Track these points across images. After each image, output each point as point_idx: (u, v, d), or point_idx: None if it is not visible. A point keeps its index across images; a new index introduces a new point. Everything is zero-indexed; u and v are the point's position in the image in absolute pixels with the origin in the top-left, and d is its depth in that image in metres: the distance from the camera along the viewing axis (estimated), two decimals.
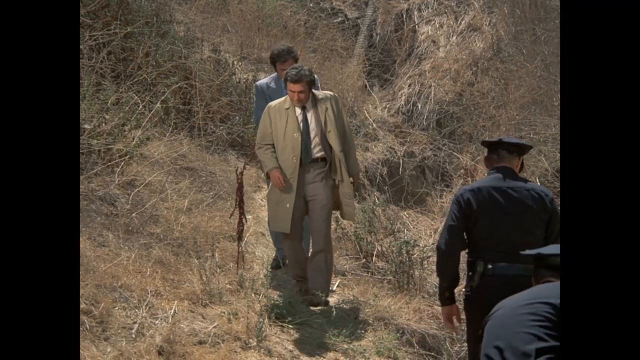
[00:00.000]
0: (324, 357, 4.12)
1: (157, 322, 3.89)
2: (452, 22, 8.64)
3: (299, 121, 4.41)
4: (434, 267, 5.72)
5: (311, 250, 4.57)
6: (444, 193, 7.25)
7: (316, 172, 4.47)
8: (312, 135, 4.44)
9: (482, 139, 4.14)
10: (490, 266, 3.06)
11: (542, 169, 6.30)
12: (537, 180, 6.19)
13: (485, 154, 3.48)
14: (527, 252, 2.45)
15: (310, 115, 4.45)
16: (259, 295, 4.46)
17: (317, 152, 4.45)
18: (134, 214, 4.71)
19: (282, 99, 4.49)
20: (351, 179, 4.58)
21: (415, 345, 4.51)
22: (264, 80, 5.03)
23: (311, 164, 4.46)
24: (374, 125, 7.69)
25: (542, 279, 2.33)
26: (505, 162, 3.32)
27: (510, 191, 3.19)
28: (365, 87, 8.41)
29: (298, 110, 4.43)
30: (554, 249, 2.41)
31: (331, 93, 4.57)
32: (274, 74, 4.99)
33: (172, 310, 3.99)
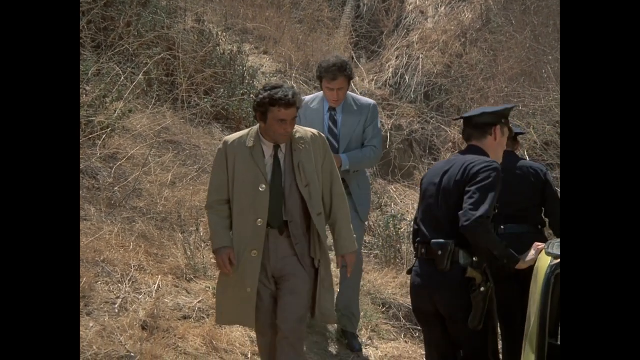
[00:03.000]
0: (308, 331, 4.10)
1: (140, 297, 3.85)
2: None
3: (268, 166, 3.11)
4: None
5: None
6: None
7: (287, 242, 3.12)
8: (287, 189, 3.11)
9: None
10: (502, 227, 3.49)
11: (530, 142, 6.27)
12: (525, 154, 6.16)
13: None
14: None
15: (283, 159, 3.13)
16: None
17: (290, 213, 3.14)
18: (116, 188, 4.64)
19: (243, 132, 3.19)
20: (343, 260, 3.20)
21: (402, 319, 4.50)
22: (306, 97, 3.97)
23: (284, 229, 3.12)
24: None
25: (472, 138, 2.97)
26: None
27: None
28: (352, 59, 8.29)
29: (268, 151, 3.12)
30: (478, 110, 3.05)
31: (316, 132, 3.22)
32: (320, 93, 3.97)
33: (156, 285, 3.95)
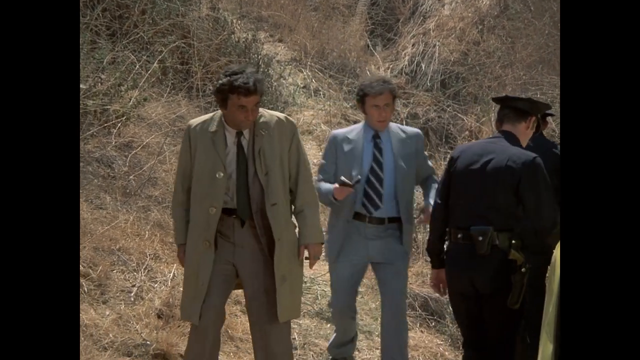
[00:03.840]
0: (323, 322, 4.08)
1: (156, 285, 3.85)
2: None
3: (231, 153, 2.96)
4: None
5: None
6: (448, 156, 7.14)
7: (252, 233, 2.98)
8: (250, 177, 2.96)
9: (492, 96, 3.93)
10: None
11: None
12: None
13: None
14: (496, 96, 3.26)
15: (246, 146, 2.97)
16: None
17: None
18: (131, 177, 4.64)
19: (208, 116, 3.05)
20: (306, 252, 3.04)
21: (418, 308, 4.47)
22: (343, 129, 3.62)
23: (249, 221, 2.98)
24: None
25: (505, 120, 3.10)
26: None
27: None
28: (368, 47, 8.22)
29: (231, 138, 2.97)
30: (525, 96, 3.23)
31: (282, 116, 3.06)
32: (360, 124, 3.56)
33: (172, 274, 3.95)
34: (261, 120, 2.98)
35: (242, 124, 2.93)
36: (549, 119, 4.16)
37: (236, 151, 2.96)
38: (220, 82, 2.92)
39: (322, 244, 3.10)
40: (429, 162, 3.67)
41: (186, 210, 3.02)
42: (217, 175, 2.93)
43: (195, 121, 3.06)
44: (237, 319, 3.78)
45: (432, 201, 3.40)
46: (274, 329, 2.98)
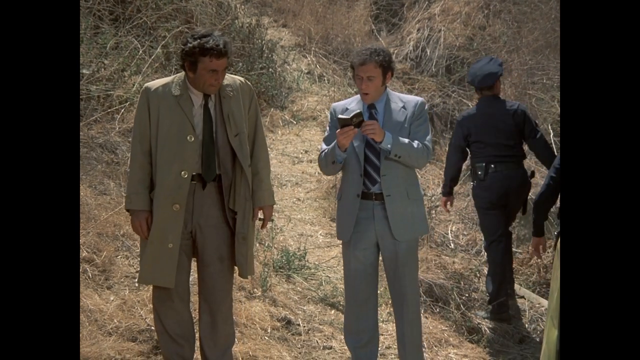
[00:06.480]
0: (328, 308, 4.08)
1: None
2: None
3: (197, 116, 2.92)
4: (442, 217, 5.66)
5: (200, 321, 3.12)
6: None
7: (216, 198, 2.98)
8: (219, 140, 2.94)
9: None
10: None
11: (554, 115, 6.14)
12: (549, 127, 6.04)
13: None
14: None
15: (213, 109, 2.96)
16: (264, 245, 4.40)
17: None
18: None
19: (167, 79, 3.00)
20: (260, 214, 3.07)
21: (422, 295, 4.46)
22: (341, 102, 3.40)
23: (211, 184, 2.97)
24: None
25: None
26: None
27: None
28: (372, 32, 8.17)
29: (197, 101, 2.94)
30: None
31: (241, 79, 3.08)
32: (358, 95, 3.33)
33: None
34: (225, 82, 2.98)
35: (210, 87, 2.90)
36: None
37: (202, 114, 2.94)
38: (188, 45, 2.87)
39: (273, 206, 3.14)
40: (428, 136, 3.27)
41: (145, 174, 2.94)
42: (187, 139, 2.90)
43: (153, 84, 2.98)
44: (242, 305, 3.78)
45: (387, 133, 3.13)
46: (225, 286, 3.05)
